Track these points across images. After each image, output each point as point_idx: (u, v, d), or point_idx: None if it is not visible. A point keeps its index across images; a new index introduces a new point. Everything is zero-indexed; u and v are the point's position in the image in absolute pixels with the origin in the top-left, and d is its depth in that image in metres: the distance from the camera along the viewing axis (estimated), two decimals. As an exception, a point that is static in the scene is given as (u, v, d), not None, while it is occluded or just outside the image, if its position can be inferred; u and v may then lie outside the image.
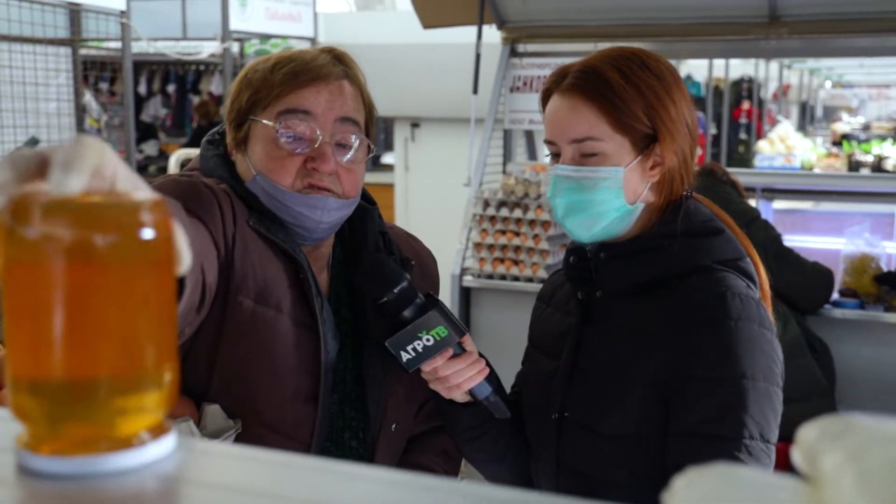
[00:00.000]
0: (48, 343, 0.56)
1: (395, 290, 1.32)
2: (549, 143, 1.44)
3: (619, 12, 3.96)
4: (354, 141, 1.38)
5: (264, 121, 1.36)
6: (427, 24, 4.19)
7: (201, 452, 0.61)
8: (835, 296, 3.49)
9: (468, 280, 3.83)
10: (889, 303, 3.42)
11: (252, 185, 1.38)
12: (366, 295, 1.40)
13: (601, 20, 4.00)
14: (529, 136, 4.67)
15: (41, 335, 0.56)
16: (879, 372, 3.36)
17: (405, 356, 1.33)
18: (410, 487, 0.56)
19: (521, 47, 4.21)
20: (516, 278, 3.73)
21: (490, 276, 3.77)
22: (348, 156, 1.38)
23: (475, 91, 4.06)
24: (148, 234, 0.57)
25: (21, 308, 0.57)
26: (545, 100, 1.46)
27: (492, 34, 4.21)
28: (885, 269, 3.56)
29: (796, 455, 0.55)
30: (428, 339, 1.33)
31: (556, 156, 1.44)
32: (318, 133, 1.35)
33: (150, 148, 8.49)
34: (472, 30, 4.23)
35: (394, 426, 1.46)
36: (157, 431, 0.59)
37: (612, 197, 1.38)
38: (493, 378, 1.44)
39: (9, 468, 0.58)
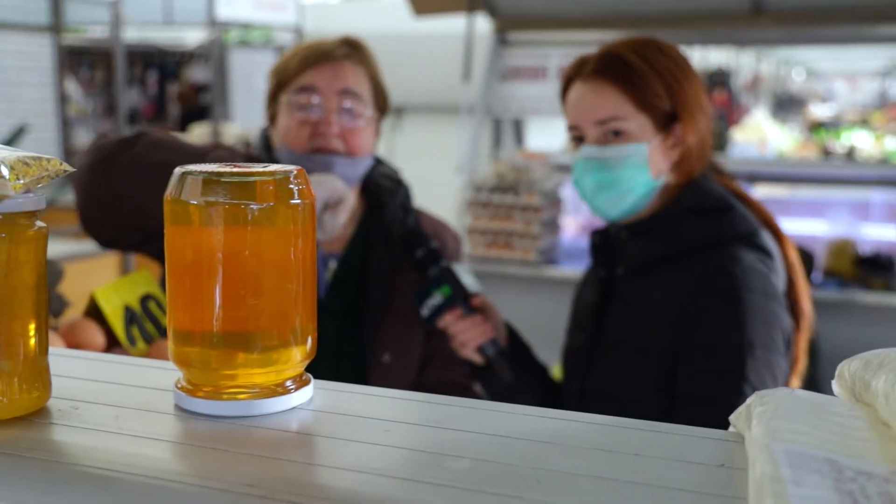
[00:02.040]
0: (209, 300, 0.64)
1: (421, 250, 1.53)
2: (572, 128, 1.52)
3: (606, 1, 4.04)
4: (357, 107, 1.56)
5: (283, 99, 1.56)
6: (418, 11, 4.24)
7: (337, 401, 0.69)
8: (818, 278, 3.61)
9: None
10: (869, 284, 3.54)
11: (278, 154, 1.57)
12: (405, 253, 1.59)
13: (589, 9, 4.08)
14: (517, 124, 4.75)
15: (202, 293, 0.64)
16: (858, 352, 3.48)
17: (423, 311, 1.52)
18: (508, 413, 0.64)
19: (510, 36, 4.28)
20: (508, 262, 3.82)
21: (483, 260, 3.85)
22: (351, 120, 1.55)
23: (466, 79, 4.13)
24: (296, 201, 0.64)
25: (184, 268, 0.64)
26: (566, 88, 1.54)
27: (479, 24, 4.27)
28: (863, 251, 3.69)
29: (838, 387, 0.64)
30: (438, 297, 1.51)
31: (579, 140, 1.52)
32: (323, 103, 1.54)
33: (130, 136, 8.46)
34: (457, 20, 4.30)
35: (384, 357, 1.58)
36: (300, 382, 0.67)
37: (639, 172, 1.46)
38: (516, 348, 1.58)
39: (168, 409, 0.66)
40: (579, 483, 0.54)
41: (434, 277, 1.52)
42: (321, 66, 1.55)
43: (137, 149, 1.44)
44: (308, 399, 0.67)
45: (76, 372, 0.72)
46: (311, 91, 1.54)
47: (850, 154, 6.39)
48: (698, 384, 1.40)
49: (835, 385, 0.65)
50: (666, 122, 1.48)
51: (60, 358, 0.74)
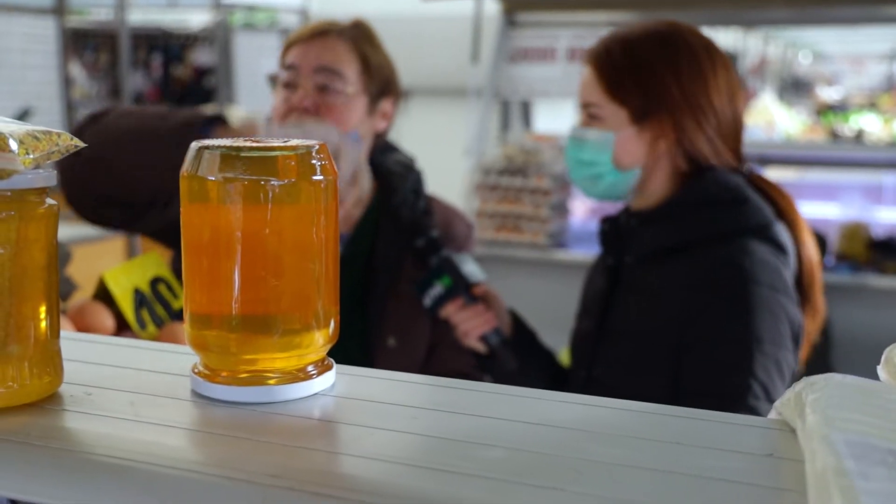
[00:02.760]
0: (228, 281, 0.61)
1: (421, 240, 1.53)
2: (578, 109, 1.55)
3: (616, -18, 4.00)
4: (332, 84, 1.53)
5: (277, 76, 1.58)
6: (426, -7, 4.20)
7: (360, 387, 0.66)
8: (830, 261, 3.58)
9: (469, 248, 3.88)
10: (882, 268, 3.51)
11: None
12: (405, 240, 1.59)
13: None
14: (524, 106, 4.71)
15: (220, 274, 0.61)
16: (872, 335, 3.45)
17: (425, 301, 1.52)
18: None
19: (519, 17, 4.23)
20: (517, 245, 3.79)
21: (491, 244, 3.82)
22: (325, 97, 1.54)
23: (475, 61, 4.09)
24: (319, 177, 0.61)
25: (201, 248, 0.61)
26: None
27: (487, 5, 4.23)
28: (876, 235, 3.66)
29: (885, 373, 0.61)
30: (439, 288, 1.51)
31: None
32: (300, 80, 1.54)
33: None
34: (465, 2, 4.25)
35: (390, 341, 1.57)
36: (322, 367, 0.64)
37: (605, 159, 1.48)
38: (520, 335, 1.59)
39: (185, 395, 0.63)
40: (621, 473, 0.51)
41: (434, 267, 1.52)
42: (305, 44, 1.56)
43: (108, 118, 1.49)
44: (330, 385, 0.65)
45: (89, 356, 0.70)
46: (293, 69, 1.54)
47: (859, 137, 6.33)
48: (704, 378, 1.37)
49: (881, 371, 0.63)
50: (642, 116, 1.46)
51: (72, 342, 0.72)
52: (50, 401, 0.61)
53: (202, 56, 8.17)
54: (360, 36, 1.59)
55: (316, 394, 0.63)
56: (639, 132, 1.46)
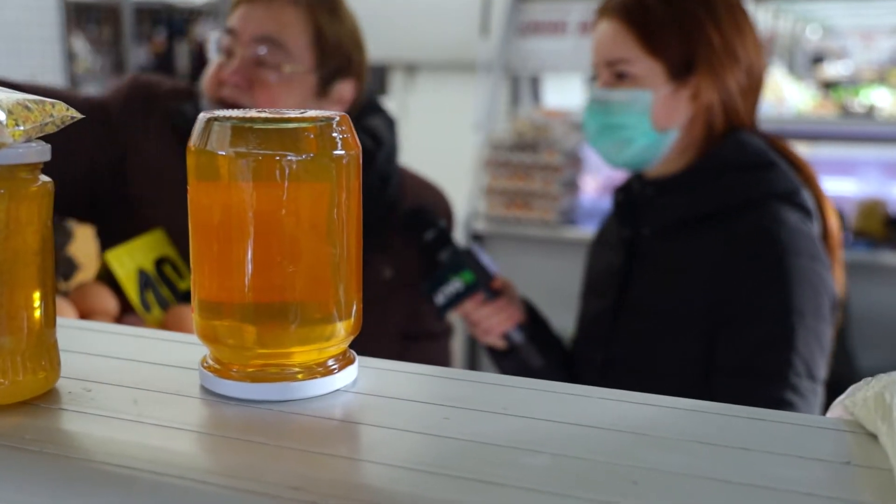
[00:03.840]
0: (240, 267, 0.55)
1: (429, 233, 1.40)
2: (594, 68, 1.44)
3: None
4: (270, 58, 1.36)
5: (207, 39, 1.43)
6: (434, -35, 4.11)
7: (385, 382, 0.60)
8: (847, 238, 3.52)
9: (479, 224, 3.82)
10: (899, 245, 3.45)
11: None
12: (408, 236, 1.46)
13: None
14: (534, 81, 4.63)
15: (232, 258, 0.55)
16: (889, 313, 3.40)
17: (438, 299, 1.39)
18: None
19: (529, -10, 4.15)
20: (527, 222, 3.73)
21: (501, 221, 3.76)
22: (260, 71, 1.36)
23: (484, 34, 4.01)
24: (340, 152, 0.55)
25: (211, 230, 0.56)
26: (596, 26, 1.44)
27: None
28: (893, 212, 3.59)
29: None
30: (458, 284, 1.39)
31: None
32: (236, 48, 1.37)
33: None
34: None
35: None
36: (343, 361, 0.59)
37: (640, 121, 1.37)
38: (536, 325, 1.48)
39: (194, 391, 0.57)
40: (684, 484, 0.46)
41: (450, 262, 1.40)
42: (249, 5, 1.38)
43: None
44: (352, 380, 0.59)
45: (88, 347, 0.64)
46: (232, 33, 1.37)
47: (870, 112, 6.24)
48: (743, 355, 1.28)
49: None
50: (682, 71, 1.37)
51: (70, 330, 0.66)
52: (45, 398, 0.56)
53: (206, 30, 8.08)
54: (318, 3, 1.39)
55: (337, 390, 0.58)
56: (676, 89, 1.37)
